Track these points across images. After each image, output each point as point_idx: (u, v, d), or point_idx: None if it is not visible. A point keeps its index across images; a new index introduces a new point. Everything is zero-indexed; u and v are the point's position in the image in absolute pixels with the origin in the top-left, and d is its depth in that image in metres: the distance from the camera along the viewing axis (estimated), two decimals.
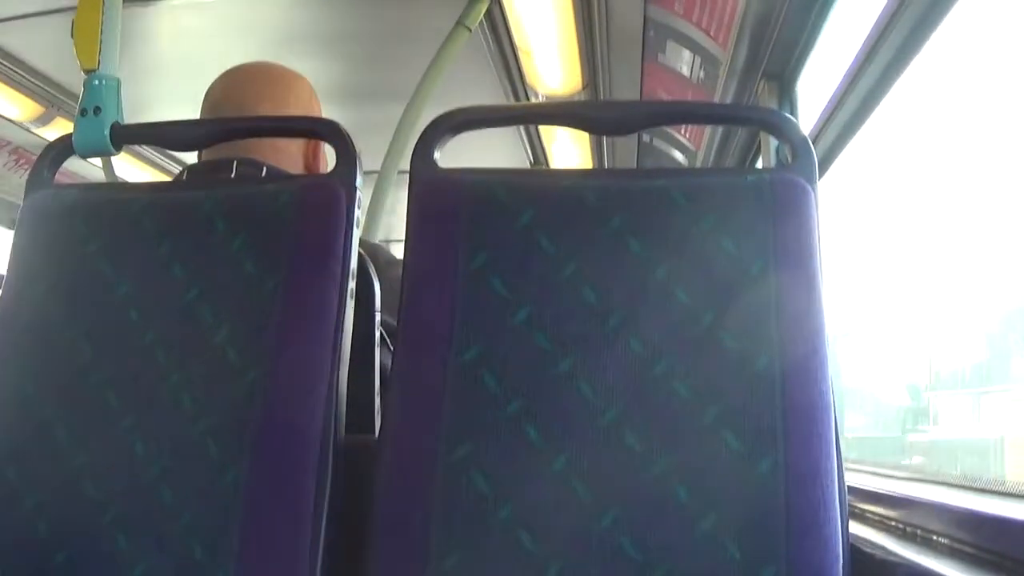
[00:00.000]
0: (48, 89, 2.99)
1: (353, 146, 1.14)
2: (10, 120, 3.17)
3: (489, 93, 3.04)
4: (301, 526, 0.98)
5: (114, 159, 3.10)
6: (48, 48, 2.69)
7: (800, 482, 0.94)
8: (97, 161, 3.17)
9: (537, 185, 1.11)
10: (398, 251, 1.17)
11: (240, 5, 2.57)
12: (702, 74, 2.65)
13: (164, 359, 1.05)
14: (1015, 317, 1.85)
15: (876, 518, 1.23)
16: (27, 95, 3.01)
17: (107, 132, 1.16)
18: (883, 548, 1.06)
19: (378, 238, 2.71)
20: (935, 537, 1.05)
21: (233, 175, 1.28)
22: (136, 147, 3.47)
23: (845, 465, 0.99)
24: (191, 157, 1.41)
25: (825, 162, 1.85)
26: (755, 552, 0.93)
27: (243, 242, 1.08)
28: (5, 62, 2.81)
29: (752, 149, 2.75)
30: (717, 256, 1.02)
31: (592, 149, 3.75)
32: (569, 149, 3.75)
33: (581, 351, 1.00)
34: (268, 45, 2.63)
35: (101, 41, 1.16)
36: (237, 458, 0.99)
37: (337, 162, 1.14)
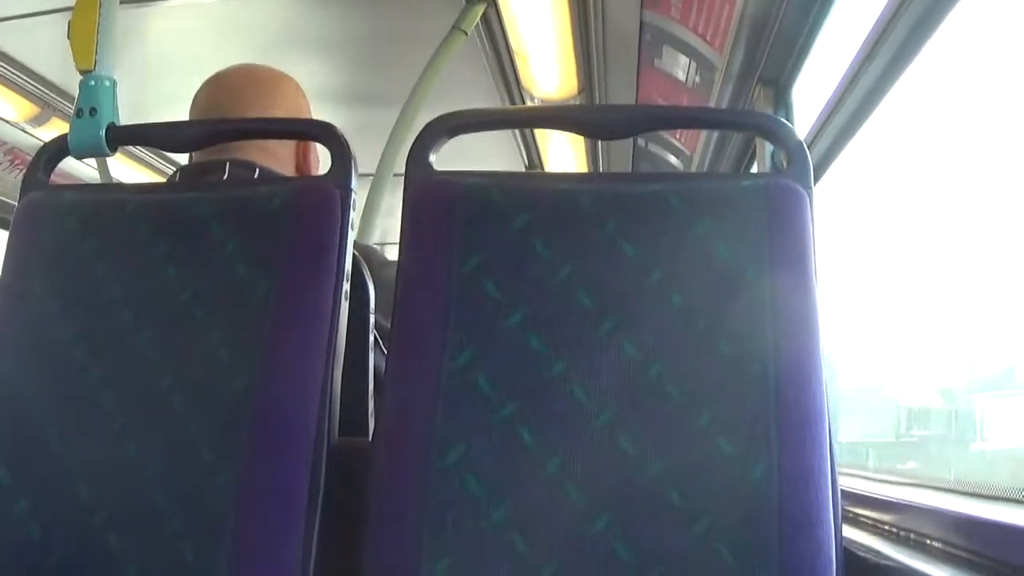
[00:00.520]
0: (44, 90, 2.98)
1: (348, 148, 1.14)
2: (5, 120, 3.17)
3: (485, 97, 3.04)
4: (294, 528, 0.98)
5: (109, 160, 3.10)
6: (44, 48, 2.69)
7: (793, 485, 0.94)
8: (92, 162, 3.17)
9: (532, 188, 1.11)
10: (394, 254, 1.17)
11: (237, 7, 2.57)
12: (698, 79, 2.65)
13: (158, 360, 1.05)
14: None
15: (870, 522, 1.24)
16: (23, 95, 3.00)
17: (103, 133, 1.16)
18: (876, 552, 1.06)
19: (374, 241, 2.71)
20: (928, 541, 1.05)
21: (225, 176, 1.28)
22: (131, 148, 3.47)
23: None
24: (186, 158, 1.41)
25: (820, 167, 1.85)
26: (748, 555, 0.93)
27: (237, 244, 1.08)
28: (1, 62, 2.80)
29: (748, 154, 2.76)
30: (712, 260, 1.03)
31: (587, 153, 3.76)
32: (564, 153, 3.75)
33: (575, 354, 1.00)
34: (264, 47, 2.63)
35: (98, 42, 1.15)
36: (230, 460, 0.99)
37: (332, 164, 1.14)
